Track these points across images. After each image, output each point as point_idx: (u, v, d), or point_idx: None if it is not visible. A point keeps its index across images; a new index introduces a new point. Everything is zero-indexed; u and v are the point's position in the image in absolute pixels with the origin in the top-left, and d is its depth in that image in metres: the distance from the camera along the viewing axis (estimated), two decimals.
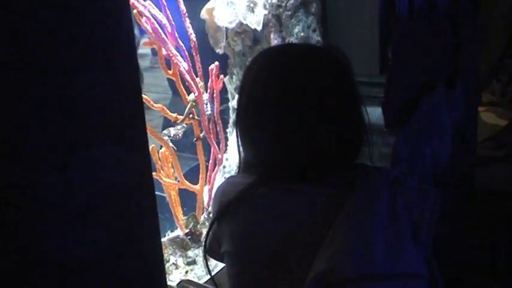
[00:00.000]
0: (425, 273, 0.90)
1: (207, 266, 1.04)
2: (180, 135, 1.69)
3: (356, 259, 0.83)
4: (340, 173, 0.94)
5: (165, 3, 1.55)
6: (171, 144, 1.69)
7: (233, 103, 1.98)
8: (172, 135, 1.67)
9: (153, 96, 1.67)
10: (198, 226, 1.77)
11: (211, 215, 1.73)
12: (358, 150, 0.97)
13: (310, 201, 0.92)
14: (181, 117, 1.69)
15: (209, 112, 1.70)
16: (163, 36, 1.56)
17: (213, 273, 1.07)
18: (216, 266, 1.49)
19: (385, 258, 0.84)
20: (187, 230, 1.76)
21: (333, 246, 0.84)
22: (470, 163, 2.38)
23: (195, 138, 1.74)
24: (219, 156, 1.81)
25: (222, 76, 1.74)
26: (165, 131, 1.69)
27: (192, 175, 1.82)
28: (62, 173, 0.71)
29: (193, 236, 1.76)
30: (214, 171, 1.81)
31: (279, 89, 0.93)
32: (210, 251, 1.04)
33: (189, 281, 1.41)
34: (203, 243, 1.09)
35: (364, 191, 0.90)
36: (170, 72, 1.63)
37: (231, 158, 1.94)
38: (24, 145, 0.67)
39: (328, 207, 0.89)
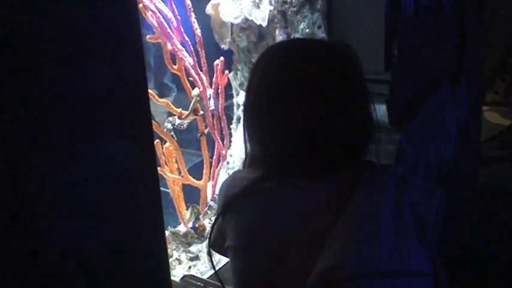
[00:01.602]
0: (430, 271, 0.89)
1: (211, 260, 1.04)
2: (184, 125, 1.68)
3: (360, 256, 0.83)
4: (347, 170, 0.93)
5: None
6: (171, 133, 1.67)
7: (237, 99, 1.98)
8: (176, 124, 1.66)
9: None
10: (201, 217, 1.77)
11: (214, 210, 1.73)
12: (365, 147, 0.96)
13: (315, 197, 0.91)
14: (186, 112, 1.69)
15: (213, 108, 1.69)
16: (169, 30, 1.56)
17: (216, 268, 1.06)
18: (220, 261, 1.49)
19: (390, 256, 0.84)
20: (190, 226, 1.76)
21: (337, 243, 0.84)
22: (474, 162, 2.38)
23: (199, 134, 1.74)
24: (223, 152, 1.81)
25: (226, 71, 1.73)
26: (170, 118, 1.67)
27: (196, 171, 1.82)
28: (67, 166, 0.71)
29: (196, 231, 1.76)
30: (218, 167, 1.81)
31: (286, 85, 0.92)
32: (215, 245, 1.04)
33: (193, 276, 1.41)
34: (207, 238, 1.08)
35: (370, 188, 0.90)
36: (175, 67, 1.63)
37: (235, 154, 1.94)
38: (29, 137, 0.67)
39: (334, 203, 0.89)
